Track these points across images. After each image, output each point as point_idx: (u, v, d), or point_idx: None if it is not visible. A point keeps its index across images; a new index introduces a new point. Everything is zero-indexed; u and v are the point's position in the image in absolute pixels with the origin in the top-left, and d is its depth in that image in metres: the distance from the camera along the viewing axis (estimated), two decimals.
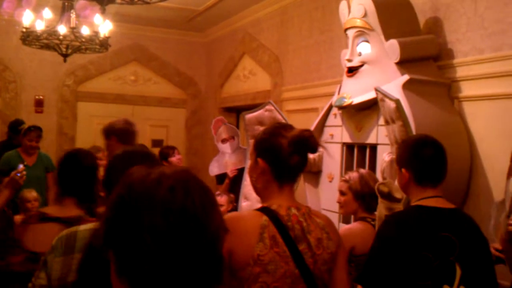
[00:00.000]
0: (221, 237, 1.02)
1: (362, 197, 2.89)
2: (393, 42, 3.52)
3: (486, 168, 3.35)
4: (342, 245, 1.92)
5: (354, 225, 2.95)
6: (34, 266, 2.08)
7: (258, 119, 4.47)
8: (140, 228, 0.93)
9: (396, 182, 3.00)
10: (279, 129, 1.91)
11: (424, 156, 2.14)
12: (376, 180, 2.96)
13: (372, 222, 2.83)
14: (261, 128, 4.37)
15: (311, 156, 4.21)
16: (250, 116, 4.49)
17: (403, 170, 2.16)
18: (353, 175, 2.97)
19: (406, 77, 3.43)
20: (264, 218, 1.76)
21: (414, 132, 3.14)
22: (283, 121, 4.34)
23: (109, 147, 3.87)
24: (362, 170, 3.02)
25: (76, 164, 2.55)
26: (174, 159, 5.40)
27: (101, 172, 4.48)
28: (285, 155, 1.83)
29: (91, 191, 2.54)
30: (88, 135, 7.57)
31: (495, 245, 2.51)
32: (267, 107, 4.43)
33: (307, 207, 1.90)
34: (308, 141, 1.87)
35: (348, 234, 2.78)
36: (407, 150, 2.18)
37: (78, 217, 2.33)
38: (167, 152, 5.52)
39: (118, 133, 3.82)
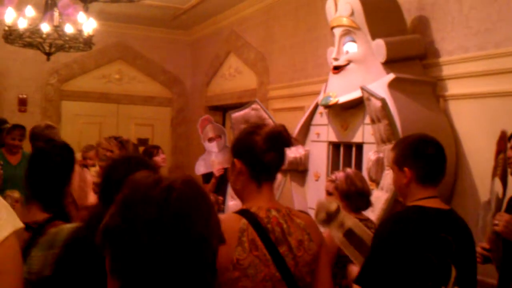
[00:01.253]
0: (214, 245, 1.05)
1: (348, 197, 2.87)
2: (380, 42, 3.52)
3: (472, 167, 3.37)
4: (325, 244, 1.90)
5: None
6: None
7: (244, 118, 4.45)
8: (135, 222, 0.98)
9: (388, 181, 3.01)
10: (253, 128, 1.90)
11: (428, 155, 2.11)
12: (362, 180, 2.95)
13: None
14: None
15: (297, 155, 4.21)
16: (236, 115, 4.48)
17: (405, 169, 2.11)
18: (340, 175, 2.96)
19: (391, 76, 3.44)
20: (243, 221, 1.74)
21: (400, 131, 3.14)
22: (269, 120, 4.33)
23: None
24: (348, 170, 3.01)
25: (46, 163, 2.34)
26: (158, 158, 5.35)
27: (91, 172, 4.47)
28: (260, 153, 1.81)
29: (59, 195, 2.31)
30: (73, 134, 7.49)
31: (483, 244, 2.52)
32: (253, 105, 4.42)
33: (287, 208, 1.87)
34: (281, 135, 1.85)
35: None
36: (409, 149, 2.13)
37: (43, 221, 2.18)
38: (151, 151, 5.47)
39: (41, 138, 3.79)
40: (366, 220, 2.83)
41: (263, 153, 1.81)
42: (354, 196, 2.87)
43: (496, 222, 2.38)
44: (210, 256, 1.04)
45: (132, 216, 0.99)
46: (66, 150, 2.46)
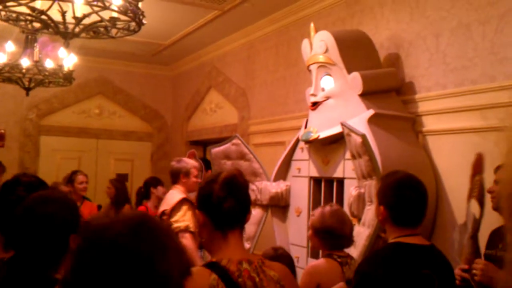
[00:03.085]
0: (177, 279, 1.02)
1: (318, 234, 2.83)
2: (355, 75, 3.59)
3: (451, 200, 3.39)
4: None
5: (318, 262, 2.90)
6: None
7: (224, 153, 4.44)
8: (89, 268, 0.97)
9: (370, 217, 3.01)
10: (214, 176, 1.82)
11: (406, 200, 2.08)
12: (340, 219, 2.83)
13: (338, 260, 2.78)
14: (228, 162, 4.37)
15: (278, 190, 4.19)
16: (216, 150, 4.46)
17: (381, 207, 2.11)
18: (317, 211, 2.93)
19: (371, 111, 3.48)
20: (213, 276, 1.65)
21: (380, 166, 3.16)
22: (250, 155, 4.32)
23: None
24: (327, 207, 2.93)
25: (8, 196, 2.14)
26: (158, 190, 5.46)
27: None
28: (218, 201, 1.75)
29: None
30: (51, 170, 7.40)
31: (461, 266, 2.52)
32: (234, 141, 4.41)
33: (259, 259, 1.79)
34: (235, 180, 1.79)
35: (312, 272, 2.74)
36: (389, 189, 2.11)
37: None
38: (152, 183, 5.56)
39: None
40: (346, 257, 2.80)
41: (221, 201, 1.75)
42: (322, 233, 2.82)
43: (474, 272, 2.38)
44: None
45: (87, 264, 0.98)
46: (34, 183, 2.25)
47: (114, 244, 0.97)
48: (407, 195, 2.09)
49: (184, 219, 4.09)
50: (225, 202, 1.75)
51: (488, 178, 2.57)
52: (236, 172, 1.82)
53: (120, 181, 5.98)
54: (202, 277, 1.64)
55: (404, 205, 2.08)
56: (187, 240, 3.95)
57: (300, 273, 3.37)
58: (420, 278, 1.97)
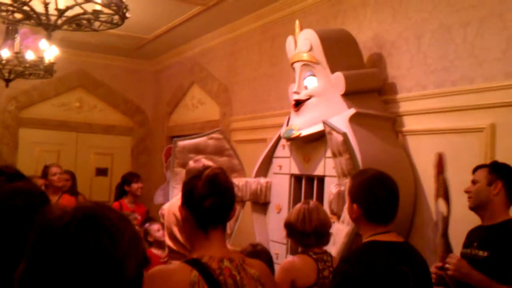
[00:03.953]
0: (133, 268, 1.02)
1: (291, 232, 2.88)
2: (338, 75, 3.62)
3: (429, 200, 3.44)
4: None
5: (293, 259, 2.91)
6: None
7: (196, 147, 4.25)
8: (41, 259, 0.97)
9: (345, 212, 3.03)
10: (200, 172, 1.80)
11: (377, 197, 2.10)
12: (303, 216, 2.83)
13: (314, 256, 2.80)
14: (198, 157, 4.20)
15: (258, 186, 4.21)
16: (185, 143, 4.23)
17: (354, 205, 2.14)
18: (295, 207, 2.95)
19: (352, 110, 3.51)
20: (194, 273, 1.63)
21: (360, 165, 3.19)
22: (231, 151, 4.30)
23: None
24: (304, 205, 2.90)
25: None
26: (135, 186, 5.41)
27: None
28: (199, 198, 1.73)
29: None
30: (30, 162, 7.30)
31: (436, 264, 2.56)
32: (214, 135, 4.32)
33: (240, 257, 1.79)
34: (216, 178, 1.77)
35: (287, 268, 2.76)
36: (361, 187, 2.13)
37: None
38: (130, 179, 5.49)
39: None
40: (322, 254, 2.82)
41: (202, 199, 1.73)
42: (287, 230, 2.87)
43: (447, 266, 2.44)
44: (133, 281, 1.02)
45: (39, 256, 0.98)
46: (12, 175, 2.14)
47: (65, 233, 0.98)
48: (380, 192, 2.10)
49: None
50: (206, 200, 1.74)
51: (469, 178, 2.63)
52: (218, 170, 1.80)
53: (72, 173, 5.91)
54: (183, 273, 1.63)
55: (377, 202, 2.10)
56: None
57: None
58: (395, 275, 1.99)
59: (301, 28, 3.93)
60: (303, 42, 3.81)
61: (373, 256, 2.03)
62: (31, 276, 0.98)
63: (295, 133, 3.79)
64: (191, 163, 3.92)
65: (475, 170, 2.64)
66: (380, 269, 1.98)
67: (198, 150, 4.25)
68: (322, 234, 2.85)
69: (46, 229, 1.00)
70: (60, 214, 1.01)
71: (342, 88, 3.60)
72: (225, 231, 1.83)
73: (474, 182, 2.59)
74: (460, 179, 2.77)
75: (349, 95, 3.63)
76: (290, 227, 2.85)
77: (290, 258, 3.20)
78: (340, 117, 3.53)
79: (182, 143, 4.24)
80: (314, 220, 2.84)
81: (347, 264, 2.07)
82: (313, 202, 2.96)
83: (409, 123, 3.67)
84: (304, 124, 3.77)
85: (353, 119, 3.47)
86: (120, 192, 5.53)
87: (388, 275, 1.97)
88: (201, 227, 1.76)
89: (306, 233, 2.82)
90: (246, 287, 1.70)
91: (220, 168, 1.85)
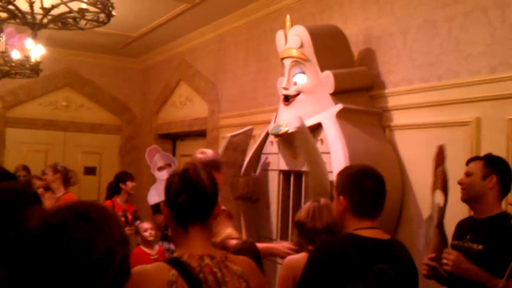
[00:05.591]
0: (120, 257, 1.10)
1: (297, 227, 2.87)
2: (328, 74, 3.62)
3: (417, 195, 3.47)
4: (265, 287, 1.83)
5: (296, 257, 2.91)
6: None
7: (236, 143, 4.27)
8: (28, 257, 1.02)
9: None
10: (186, 166, 1.79)
11: (365, 189, 2.10)
12: (312, 213, 2.79)
13: None
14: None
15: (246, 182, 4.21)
16: (235, 139, 4.23)
17: (341, 198, 2.13)
18: (305, 205, 2.93)
19: (339, 106, 3.53)
20: (172, 272, 1.60)
21: (348, 160, 3.21)
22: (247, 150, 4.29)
23: None
24: (308, 203, 2.90)
25: None
26: (129, 185, 5.39)
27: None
28: (174, 195, 1.72)
29: None
30: (17, 163, 7.23)
31: (428, 255, 2.55)
32: (248, 132, 4.32)
33: (222, 254, 1.76)
34: (187, 174, 1.74)
35: (288, 266, 2.76)
36: (348, 180, 2.13)
37: None
38: (123, 178, 5.47)
39: None
40: None
41: (176, 195, 1.72)
42: (297, 228, 2.86)
43: (445, 261, 2.42)
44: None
45: (23, 260, 1.03)
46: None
47: (58, 230, 1.03)
48: (367, 183, 2.10)
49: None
50: (179, 196, 1.72)
51: (455, 170, 2.64)
52: (189, 166, 1.78)
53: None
54: (161, 273, 1.61)
55: (364, 193, 2.10)
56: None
57: (271, 265, 3.40)
58: (373, 272, 1.94)
59: (292, 23, 3.93)
60: (294, 39, 3.81)
61: (347, 248, 1.99)
62: (12, 280, 1.03)
63: (283, 129, 3.80)
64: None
65: (468, 162, 2.62)
66: (352, 262, 1.94)
67: (234, 147, 4.25)
68: (333, 232, 2.84)
69: (23, 235, 1.04)
70: (54, 211, 1.07)
71: (331, 87, 3.61)
72: (208, 227, 1.79)
73: (468, 174, 2.56)
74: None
75: (338, 93, 3.64)
76: (300, 225, 2.81)
77: (292, 256, 3.19)
78: (327, 113, 3.54)
79: (235, 138, 4.24)
80: (325, 217, 2.83)
81: (320, 253, 2.05)
82: (323, 200, 2.93)
83: (396, 118, 3.69)
84: (292, 120, 3.78)
85: (340, 115, 3.49)
86: (113, 190, 5.51)
87: (362, 271, 1.93)
88: (180, 224, 1.74)
89: (317, 230, 2.80)
90: (228, 284, 1.66)
91: (193, 163, 1.81)
